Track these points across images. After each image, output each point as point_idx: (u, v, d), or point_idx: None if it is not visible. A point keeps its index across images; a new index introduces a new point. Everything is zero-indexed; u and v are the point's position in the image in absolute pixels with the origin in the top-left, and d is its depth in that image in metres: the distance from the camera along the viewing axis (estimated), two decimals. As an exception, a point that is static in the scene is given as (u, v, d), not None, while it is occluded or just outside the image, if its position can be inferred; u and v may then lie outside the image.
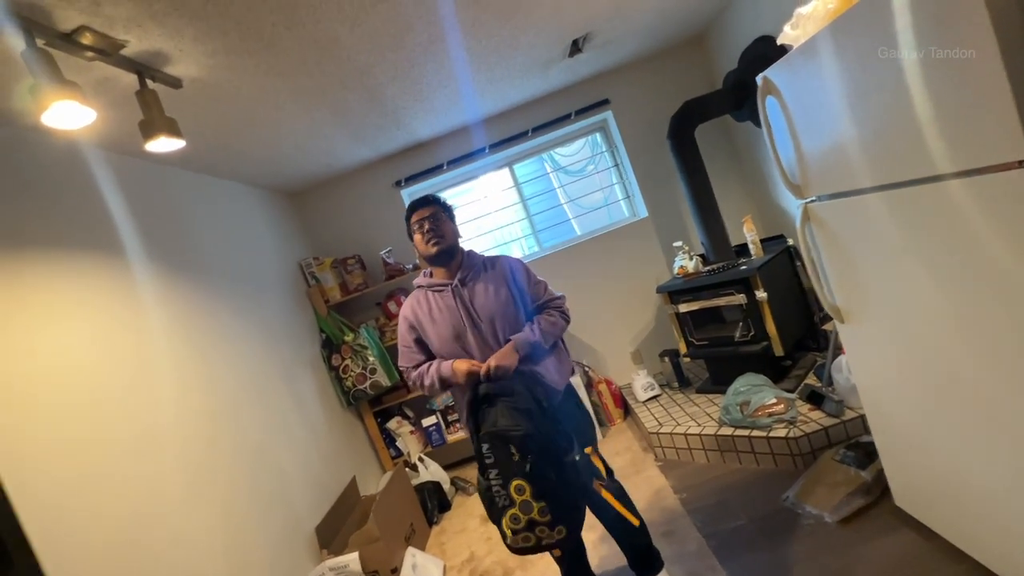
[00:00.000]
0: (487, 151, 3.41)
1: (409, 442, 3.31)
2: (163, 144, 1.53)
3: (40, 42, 1.23)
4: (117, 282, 1.80)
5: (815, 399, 2.29)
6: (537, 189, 3.68)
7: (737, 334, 2.67)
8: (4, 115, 1.51)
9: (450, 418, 3.45)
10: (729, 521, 2.05)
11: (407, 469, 2.97)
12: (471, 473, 3.15)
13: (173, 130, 1.54)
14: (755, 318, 2.55)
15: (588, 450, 1.51)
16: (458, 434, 3.35)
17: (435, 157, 3.42)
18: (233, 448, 2.07)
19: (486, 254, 1.74)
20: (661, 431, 2.67)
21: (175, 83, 1.64)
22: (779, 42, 1.51)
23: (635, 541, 1.75)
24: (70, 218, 1.69)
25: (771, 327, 2.50)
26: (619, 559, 1.87)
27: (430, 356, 1.69)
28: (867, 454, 1.91)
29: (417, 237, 1.64)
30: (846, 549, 1.71)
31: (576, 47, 2.64)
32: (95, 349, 1.62)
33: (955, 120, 1.03)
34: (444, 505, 2.94)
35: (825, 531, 1.81)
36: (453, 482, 3.09)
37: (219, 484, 1.93)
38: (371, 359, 3.06)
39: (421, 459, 3.09)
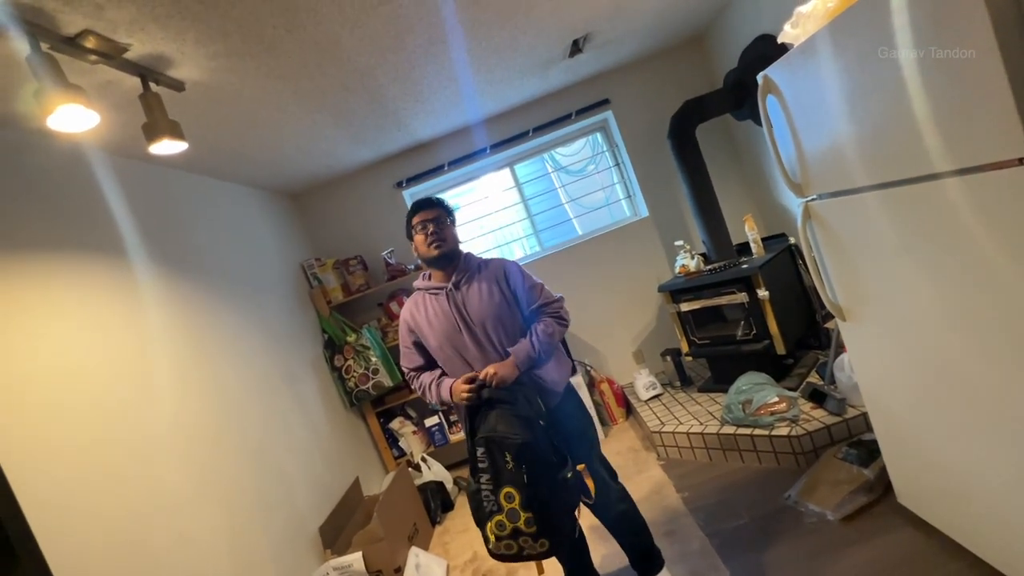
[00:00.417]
0: (488, 151, 3.42)
1: (412, 442, 3.32)
2: (166, 147, 1.54)
3: (44, 46, 1.24)
4: (119, 284, 1.81)
5: (817, 397, 2.30)
6: (538, 189, 3.69)
7: (739, 333, 2.67)
8: (9, 118, 1.52)
9: (452, 418, 3.46)
10: (731, 520, 2.05)
11: (410, 469, 2.98)
12: (474, 473, 3.15)
13: (176, 133, 1.54)
14: (757, 317, 2.55)
15: (581, 467, 1.50)
16: (460, 434, 3.35)
17: (436, 158, 3.43)
18: (236, 449, 2.08)
19: (484, 256, 1.74)
20: (663, 430, 2.68)
21: (178, 86, 1.65)
22: (779, 41, 1.51)
23: (636, 541, 1.75)
24: (73, 220, 1.70)
25: (773, 326, 2.50)
26: (621, 558, 1.87)
27: (429, 358, 1.70)
28: (869, 452, 1.91)
29: (419, 238, 1.64)
30: (849, 547, 1.71)
31: (576, 47, 2.65)
32: (98, 350, 1.63)
33: (954, 118, 1.03)
34: (447, 505, 2.95)
35: (828, 529, 1.81)
36: (456, 482, 3.10)
37: (222, 484, 1.94)
38: (373, 359, 3.07)
39: (424, 459, 3.09)
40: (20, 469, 1.29)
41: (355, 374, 3.07)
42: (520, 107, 3.37)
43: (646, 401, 3.09)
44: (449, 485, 3.02)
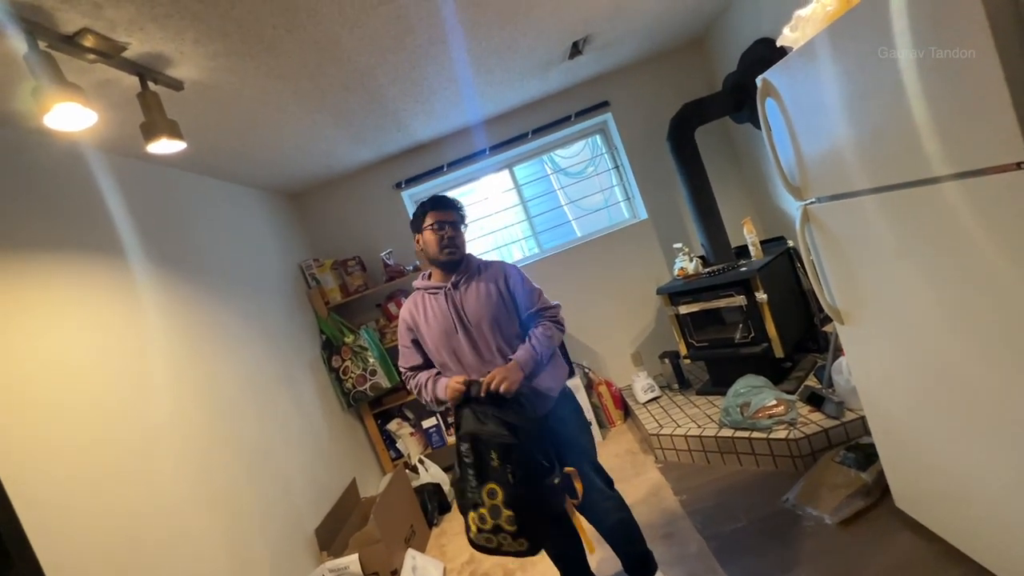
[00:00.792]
0: (487, 153, 3.42)
1: (409, 444, 3.31)
2: (164, 146, 1.54)
3: (42, 44, 1.24)
4: (117, 283, 1.80)
5: (815, 401, 2.29)
6: (537, 191, 3.68)
7: (737, 336, 2.67)
8: (6, 117, 1.51)
9: (450, 420, 3.45)
10: (729, 523, 2.04)
11: (407, 471, 2.97)
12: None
13: (174, 132, 1.54)
14: (755, 320, 2.55)
15: (570, 470, 1.49)
16: (458, 436, 3.35)
17: (435, 159, 3.43)
18: (233, 449, 2.07)
19: (484, 258, 1.74)
20: (661, 433, 2.67)
21: (176, 85, 1.64)
22: (778, 44, 1.52)
23: (631, 549, 1.74)
24: (71, 219, 1.69)
25: (771, 329, 2.50)
26: (615, 562, 1.86)
27: (427, 358, 1.70)
28: (867, 456, 1.91)
29: (430, 236, 1.62)
30: (847, 551, 1.70)
31: (576, 49, 2.65)
32: (96, 350, 1.63)
33: (953, 122, 1.03)
34: (444, 507, 2.94)
35: (826, 533, 1.81)
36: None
37: (219, 485, 1.93)
38: (371, 361, 3.06)
39: (421, 461, 3.09)
40: (16, 469, 1.28)
41: (353, 375, 3.06)
42: (520, 109, 3.38)
43: (644, 403, 3.09)
44: (446, 487, 3.01)
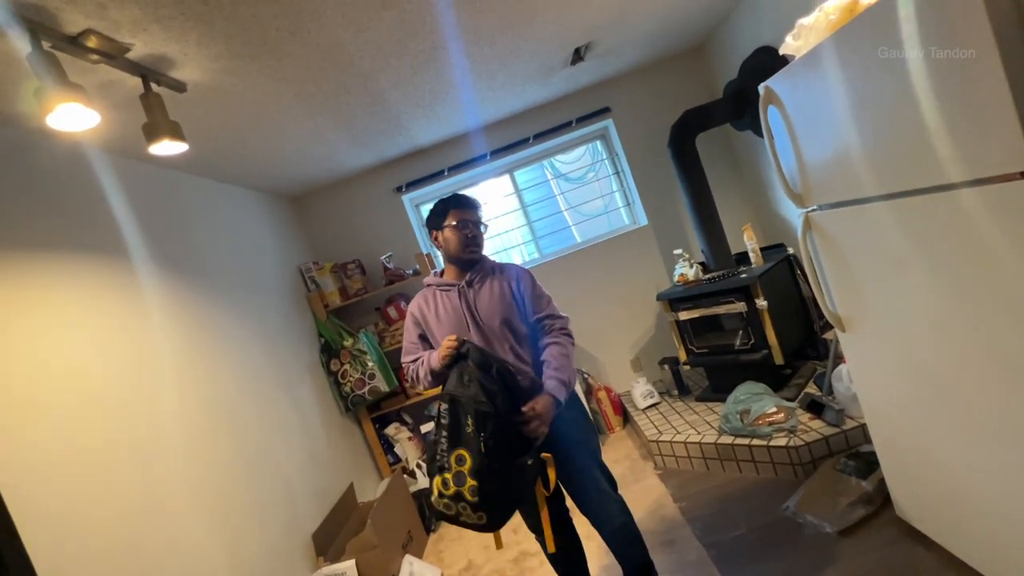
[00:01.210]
0: (488, 157, 3.43)
1: (407, 448, 3.29)
2: (166, 147, 1.54)
3: (46, 45, 1.24)
4: (118, 284, 1.79)
5: (815, 408, 2.29)
6: (537, 196, 3.69)
7: (737, 342, 2.67)
8: (9, 117, 1.51)
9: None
10: (729, 531, 2.03)
11: (405, 476, 2.95)
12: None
13: (176, 134, 1.54)
14: (755, 326, 2.55)
15: (547, 456, 1.46)
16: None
17: (436, 163, 3.43)
18: (231, 453, 2.05)
19: (497, 260, 1.75)
20: (661, 439, 2.66)
21: (179, 87, 1.64)
22: (781, 52, 1.52)
23: (634, 554, 1.72)
24: (72, 220, 1.69)
25: (771, 335, 2.50)
26: (617, 571, 1.85)
27: None
28: (868, 464, 1.90)
29: (453, 234, 1.62)
30: (847, 559, 1.70)
31: (578, 55, 2.66)
32: (95, 351, 1.62)
33: (958, 132, 1.03)
34: (442, 512, 2.92)
35: (826, 541, 1.80)
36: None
37: (216, 487, 1.91)
38: (370, 364, 3.05)
39: (419, 465, 3.07)
40: (12, 471, 1.27)
41: (351, 379, 3.05)
42: (521, 114, 3.38)
43: (643, 410, 3.08)
44: (444, 492, 2.99)
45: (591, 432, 1.72)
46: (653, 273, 3.49)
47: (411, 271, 3.31)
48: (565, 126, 3.40)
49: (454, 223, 1.63)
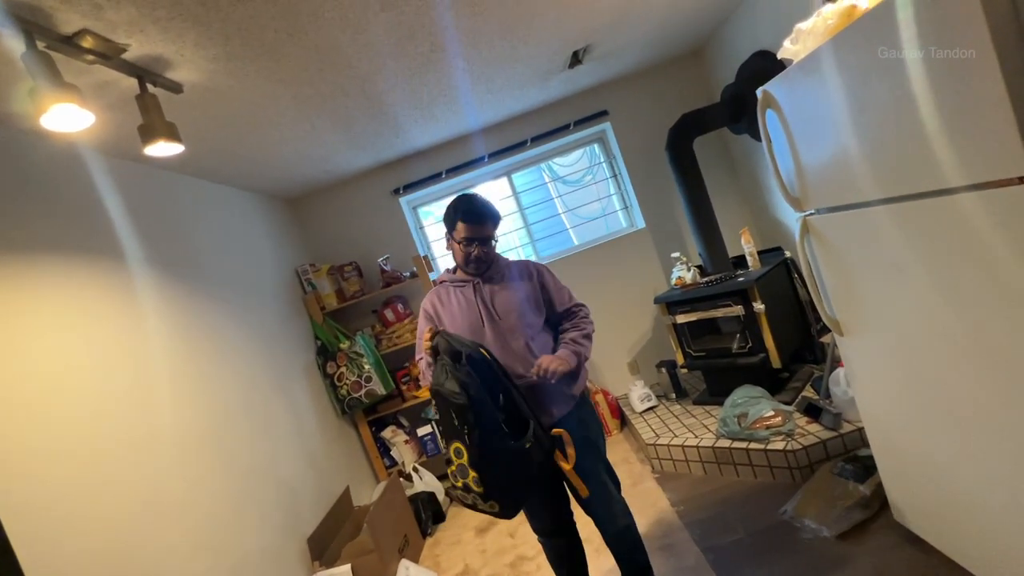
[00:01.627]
0: (486, 160, 3.42)
1: (404, 452, 3.28)
2: (162, 148, 1.53)
3: (40, 45, 1.23)
4: (114, 285, 1.78)
5: (813, 412, 2.29)
6: (535, 199, 3.69)
7: (734, 346, 2.66)
8: (3, 117, 1.50)
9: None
10: (727, 535, 2.03)
11: (401, 479, 2.94)
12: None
13: (172, 135, 1.53)
14: (753, 330, 2.55)
15: (558, 431, 1.48)
16: (453, 444, 3.32)
17: (434, 165, 3.42)
18: (226, 456, 2.04)
19: (508, 256, 1.75)
20: (658, 443, 2.66)
21: (176, 88, 1.63)
22: (779, 56, 1.52)
23: (634, 557, 1.72)
24: (68, 221, 1.67)
25: (768, 339, 2.50)
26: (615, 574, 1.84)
27: None
28: (865, 468, 1.90)
29: (457, 247, 1.61)
30: (845, 564, 1.69)
31: (576, 58, 2.66)
32: (91, 353, 1.60)
33: (957, 136, 1.03)
34: (439, 516, 2.91)
35: (824, 545, 1.79)
36: (448, 493, 3.06)
37: (211, 492, 1.90)
38: (367, 367, 3.03)
39: (416, 469, 3.06)
40: (3, 474, 1.25)
41: (348, 381, 3.04)
42: (519, 116, 3.38)
43: (641, 413, 3.07)
44: (441, 496, 2.98)
45: (600, 434, 1.72)
46: (650, 276, 3.49)
47: (408, 273, 3.30)
48: (563, 129, 3.40)
49: (464, 239, 1.58)
